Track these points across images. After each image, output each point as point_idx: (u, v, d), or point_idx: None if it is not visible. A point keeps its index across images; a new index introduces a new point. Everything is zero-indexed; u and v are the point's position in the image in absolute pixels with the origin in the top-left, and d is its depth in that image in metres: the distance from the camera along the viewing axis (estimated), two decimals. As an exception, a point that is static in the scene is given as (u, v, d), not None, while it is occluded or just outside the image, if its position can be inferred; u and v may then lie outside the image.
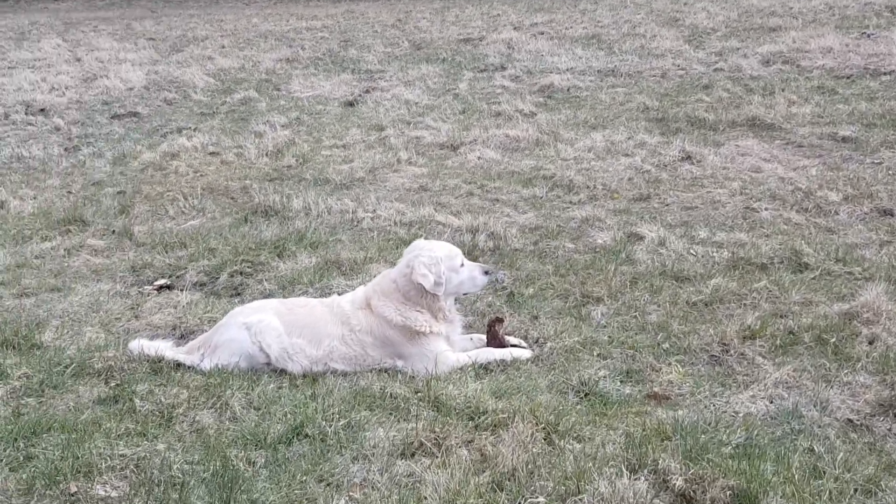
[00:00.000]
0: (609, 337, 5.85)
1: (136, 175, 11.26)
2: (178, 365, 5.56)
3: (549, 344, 5.72)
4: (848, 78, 13.49)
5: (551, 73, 15.28)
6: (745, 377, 5.22)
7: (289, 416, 4.82)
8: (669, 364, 5.42)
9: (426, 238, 5.91)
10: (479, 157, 10.58)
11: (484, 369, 5.51)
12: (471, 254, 7.39)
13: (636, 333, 5.91)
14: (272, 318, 5.47)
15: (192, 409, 4.94)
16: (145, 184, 10.58)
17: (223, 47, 21.99)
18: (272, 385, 5.22)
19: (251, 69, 18.62)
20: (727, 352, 5.51)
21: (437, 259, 5.43)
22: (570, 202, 8.84)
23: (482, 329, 5.91)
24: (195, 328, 6.29)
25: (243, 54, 20.59)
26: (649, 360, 5.46)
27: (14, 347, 6.00)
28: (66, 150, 13.73)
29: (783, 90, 12.90)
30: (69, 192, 10.60)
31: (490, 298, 6.56)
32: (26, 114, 16.97)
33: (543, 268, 7.06)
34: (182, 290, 7.20)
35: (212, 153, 11.94)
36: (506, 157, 10.57)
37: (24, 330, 6.23)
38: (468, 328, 5.99)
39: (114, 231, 8.70)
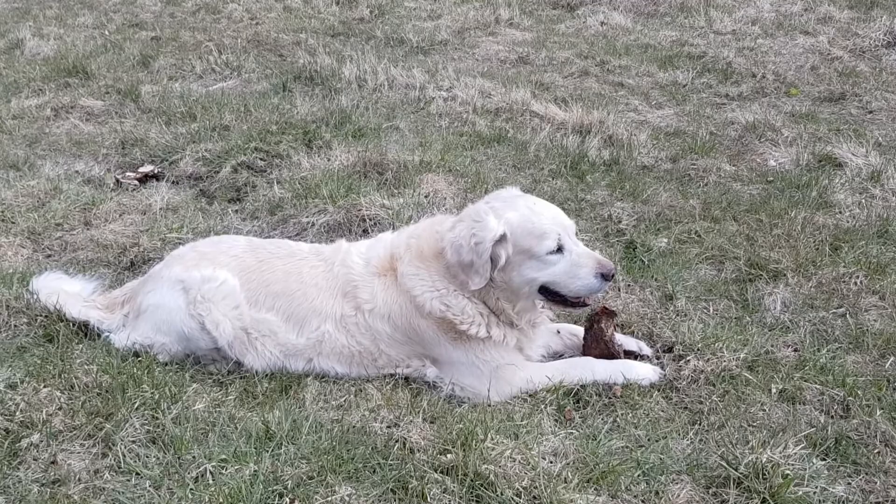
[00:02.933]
0: (798, 353, 3.21)
1: (185, 18, 8.88)
2: (88, 328, 3.30)
3: (691, 360, 3.13)
4: None
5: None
6: None
7: (207, 482, 2.49)
8: (917, 433, 2.77)
9: (522, 191, 3.09)
10: (602, 23, 7.60)
11: (574, 397, 3.00)
12: (576, 168, 4.72)
13: (847, 351, 3.24)
14: (226, 277, 3.08)
15: (57, 438, 2.68)
16: (187, 29, 8.18)
17: None
18: (204, 401, 2.87)
19: None
20: None
21: (484, 238, 2.86)
22: (727, 96, 5.91)
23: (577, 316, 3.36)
24: (153, 256, 3.99)
25: None
26: (876, 421, 2.81)
27: None
28: (130, -19, 11.43)
29: None
30: (101, 34, 8.33)
31: (596, 253, 3.94)
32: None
33: (685, 203, 4.34)
34: (172, 184, 4.91)
35: (278, -4, 9.38)
36: (638, 25, 7.56)
37: (-83, 235, 4.10)
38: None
39: (119, 90, 6.39)
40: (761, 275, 3.69)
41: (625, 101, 5.84)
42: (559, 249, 2.89)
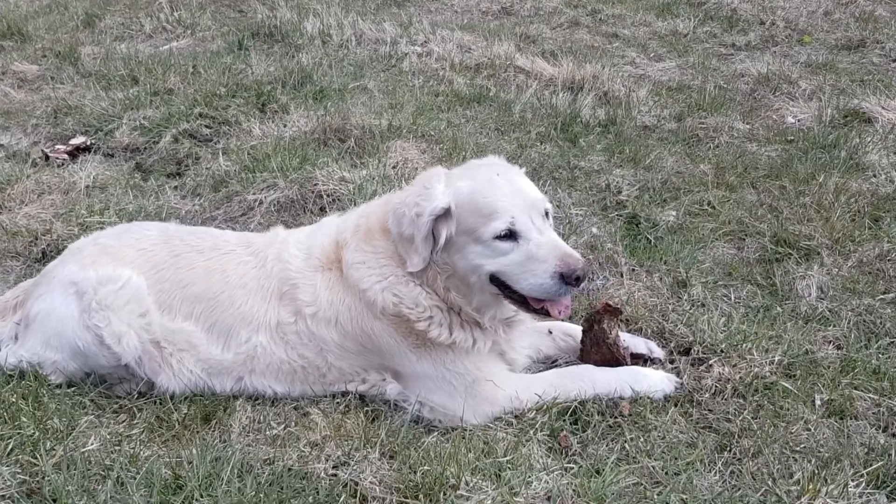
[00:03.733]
0: (842, 352, 2.58)
1: (142, -26, 8.06)
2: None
3: (714, 366, 2.49)
4: None
5: None
6: None
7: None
8: None
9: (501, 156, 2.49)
10: (593, -32, 6.83)
11: (571, 416, 2.36)
12: (567, 130, 4.03)
13: (902, 349, 2.61)
14: (130, 277, 2.41)
15: None
16: (143, -15, 7.36)
17: None
18: (100, 438, 2.22)
19: None
20: None
21: (424, 210, 2.24)
22: (734, 45, 5.22)
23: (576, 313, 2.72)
24: (67, 244, 3.30)
25: None
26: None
27: None
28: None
29: None
30: (49, -7, 7.52)
31: (594, 229, 3.28)
32: None
33: (695, 169, 3.68)
34: (105, 157, 4.22)
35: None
36: (632, -30, 6.79)
37: None
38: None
39: (57, 53, 5.62)
40: (791, 253, 3.04)
41: (620, 53, 5.14)
42: (510, 235, 2.22)
